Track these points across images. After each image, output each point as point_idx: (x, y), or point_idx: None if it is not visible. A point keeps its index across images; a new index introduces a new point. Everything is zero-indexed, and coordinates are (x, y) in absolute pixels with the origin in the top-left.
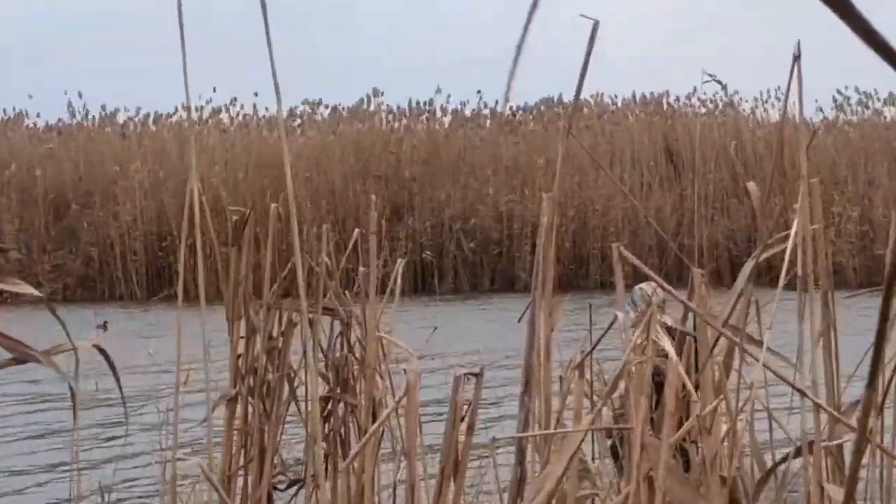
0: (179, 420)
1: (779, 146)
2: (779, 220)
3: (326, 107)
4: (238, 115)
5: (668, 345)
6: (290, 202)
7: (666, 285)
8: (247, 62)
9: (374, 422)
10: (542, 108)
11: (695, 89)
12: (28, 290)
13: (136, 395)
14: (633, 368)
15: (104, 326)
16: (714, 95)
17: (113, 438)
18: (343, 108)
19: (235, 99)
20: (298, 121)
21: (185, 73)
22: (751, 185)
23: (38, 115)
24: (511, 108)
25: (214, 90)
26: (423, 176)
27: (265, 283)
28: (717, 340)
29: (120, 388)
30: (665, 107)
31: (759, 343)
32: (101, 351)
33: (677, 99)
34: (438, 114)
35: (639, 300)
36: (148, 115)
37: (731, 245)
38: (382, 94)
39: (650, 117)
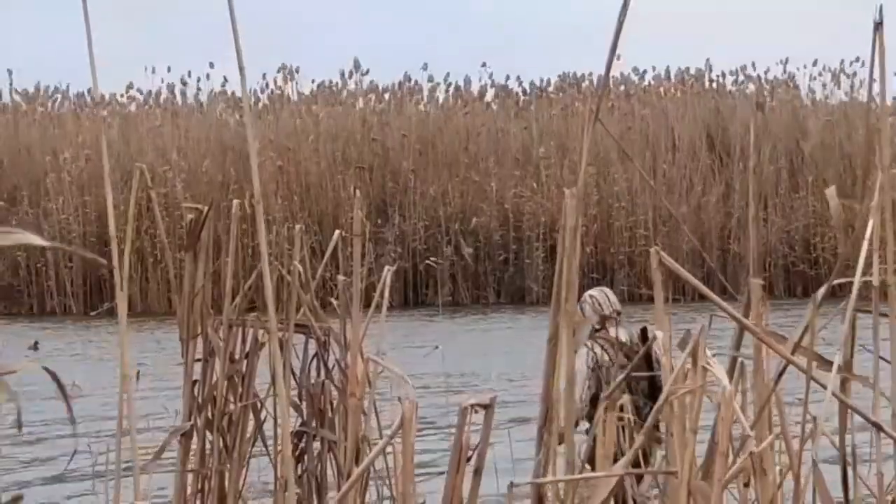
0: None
1: (868, 134)
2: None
3: (312, 81)
4: (196, 92)
5: (721, 374)
6: (255, 197)
7: (716, 298)
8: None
9: (358, 463)
10: (559, 85)
11: (744, 67)
12: None
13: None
14: (676, 401)
15: (35, 346)
16: (765, 72)
17: (39, 481)
18: (318, 85)
19: (190, 73)
20: (265, 99)
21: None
22: (829, 192)
23: None
24: (518, 85)
25: (169, 70)
26: (415, 167)
27: (226, 294)
28: (784, 369)
29: (73, 420)
30: (707, 84)
31: (829, 365)
32: (51, 373)
33: (721, 75)
34: (425, 93)
35: (590, 311)
36: (83, 95)
37: (787, 250)
38: (367, 71)
39: (689, 96)
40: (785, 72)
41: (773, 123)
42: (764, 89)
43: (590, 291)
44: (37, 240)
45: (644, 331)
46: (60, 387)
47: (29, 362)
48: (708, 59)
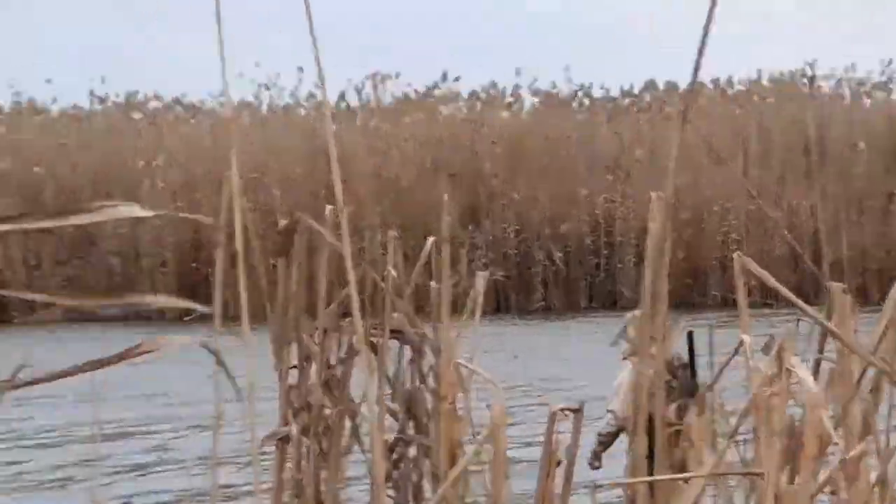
0: (218, 461)
1: None
2: None
3: (409, 85)
4: (288, 97)
5: (808, 378)
6: (338, 205)
7: (798, 301)
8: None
9: (452, 466)
10: (647, 92)
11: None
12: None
13: (159, 430)
14: (763, 404)
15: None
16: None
17: (141, 472)
18: (409, 91)
19: (279, 74)
20: (356, 104)
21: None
22: None
23: (53, 102)
24: (605, 91)
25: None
26: (504, 173)
27: (321, 300)
28: (864, 371)
29: (238, 393)
30: (801, 86)
31: None
32: (212, 351)
33: (815, 77)
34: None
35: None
36: (175, 103)
37: (883, 255)
38: (458, 78)
39: (782, 100)
40: (883, 73)
41: (869, 126)
42: (861, 92)
43: (636, 311)
44: (140, 211)
45: (690, 334)
46: (222, 364)
47: (185, 338)
48: (806, 62)
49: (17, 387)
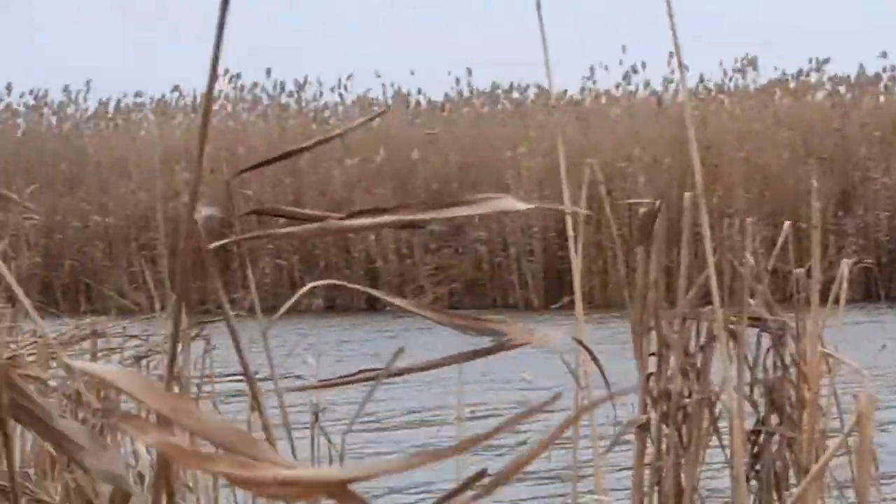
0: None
1: None
2: None
3: (776, 69)
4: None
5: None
6: (696, 185)
7: None
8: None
9: (817, 459)
10: None
11: None
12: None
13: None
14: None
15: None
16: None
17: (499, 454)
18: (779, 76)
19: (645, 65)
20: (727, 88)
21: None
22: None
23: (419, 93)
24: None
25: (621, 63)
26: (875, 157)
27: (679, 288)
28: None
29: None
30: None
31: None
32: (579, 342)
33: None
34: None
35: None
36: (541, 92)
37: None
38: (827, 60)
39: None
40: None
41: None
42: None
43: None
44: (516, 204)
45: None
46: (595, 360)
47: (557, 332)
48: None
49: (393, 374)
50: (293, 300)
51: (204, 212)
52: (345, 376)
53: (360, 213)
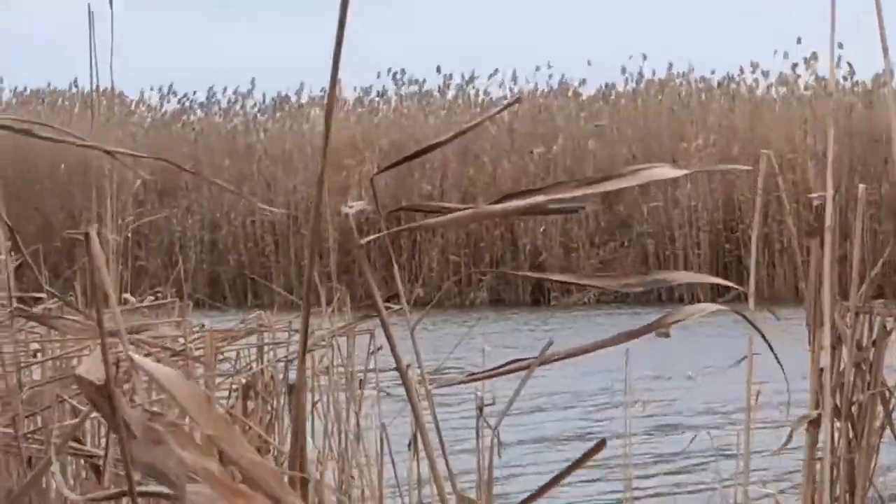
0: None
1: None
2: None
3: None
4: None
5: None
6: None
7: None
8: None
9: None
10: None
11: None
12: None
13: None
14: None
15: (667, 334)
16: None
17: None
18: None
19: (817, 55)
20: None
21: None
22: None
23: (582, 84)
24: None
25: (799, 41)
26: None
27: (853, 281)
28: None
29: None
30: None
31: None
32: (748, 320)
33: None
34: None
35: None
36: (706, 78)
37: None
38: None
39: None
40: None
41: None
42: None
43: None
44: (672, 171)
45: None
46: (764, 338)
47: (711, 305)
48: None
49: (547, 361)
50: (441, 292)
51: (356, 207)
52: (496, 367)
53: (510, 196)
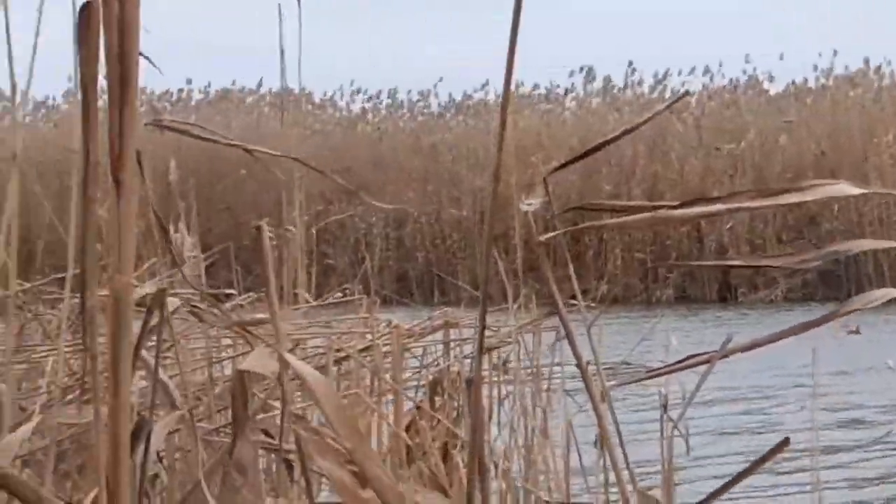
0: None
1: None
2: None
3: None
4: None
5: None
6: None
7: None
8: None
9: None
10: None
11: None
12: None
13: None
14: None
15: (856, 330)
16: None
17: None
18: None
19: None
20: None
21: None
22: None
23: (769, 80)
24: None
25: None
26: None
27: None
28: None
29: None
30: None
31: None
32: None
33: None
34: None
35: None
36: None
37: None
38: None
39: None
40: None
41: None
42: None
43: None
44: (851, 189)
45: None
46: None
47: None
48: None
49: (727, 355)
50: (615, 289)
51: (534, 204)
52: (674, 363)
53: (691, 203)
